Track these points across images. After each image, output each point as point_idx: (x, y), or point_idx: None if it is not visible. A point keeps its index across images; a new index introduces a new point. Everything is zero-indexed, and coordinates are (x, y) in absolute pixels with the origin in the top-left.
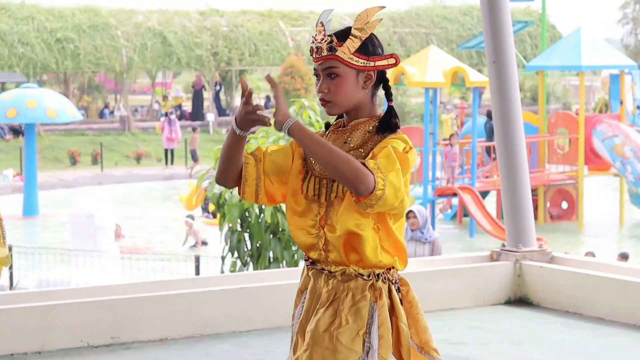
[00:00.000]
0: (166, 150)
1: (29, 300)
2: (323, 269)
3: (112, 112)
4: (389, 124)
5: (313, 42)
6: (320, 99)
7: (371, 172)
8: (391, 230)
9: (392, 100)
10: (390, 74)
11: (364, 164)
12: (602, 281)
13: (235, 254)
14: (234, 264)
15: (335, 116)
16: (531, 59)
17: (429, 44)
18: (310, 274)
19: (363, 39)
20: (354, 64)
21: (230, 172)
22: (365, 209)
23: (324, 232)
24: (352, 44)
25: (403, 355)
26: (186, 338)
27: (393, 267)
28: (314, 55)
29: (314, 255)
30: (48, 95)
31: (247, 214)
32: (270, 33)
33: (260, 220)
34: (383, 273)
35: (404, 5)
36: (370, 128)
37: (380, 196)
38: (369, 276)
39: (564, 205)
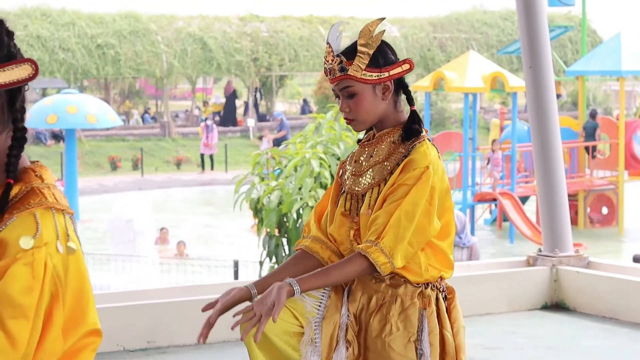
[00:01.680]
0: (202, 156)
1: None
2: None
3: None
4: (411, 131)
5: (325, 64)
6: (345, 118)
7: (365, 254)
8: (438, 248)
9: (414, 105)
10: (429, 79)
11: (359, 252)
12: None
13: (274, 259)
14: (271, 269)
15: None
16: (571, 64)
17: (469, 49)
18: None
19: (371, 53)
20: (367, 79)
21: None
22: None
23: (358, 244)
24: (362, 60)
25: None
26: (222, 342)
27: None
28: (329, 77)
29: None
30: (88, 101)
31: (284, 219)
32: (310, 38)
33: (298, 225)
34: (433, 281)
35: (445, 10)
36: (396, 138)
37: (390, 266)
38: (418, 283)
39: (604, 210)
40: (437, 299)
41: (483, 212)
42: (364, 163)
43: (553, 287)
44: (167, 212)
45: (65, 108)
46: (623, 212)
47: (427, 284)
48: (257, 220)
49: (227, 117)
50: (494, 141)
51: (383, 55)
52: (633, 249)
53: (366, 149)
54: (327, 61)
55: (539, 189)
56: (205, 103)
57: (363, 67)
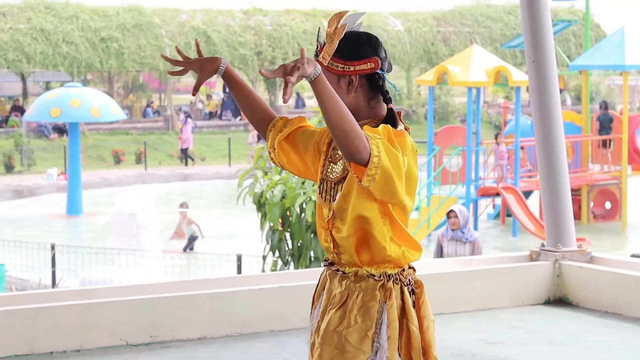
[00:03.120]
0: (185, 150)
1: (69, 298)
2: (338, 270)
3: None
4: (386, 123)
5: None
6: None
7: (367, 137)
8: (395, 220)
9: (390, 103)
10: (433, 73)
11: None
12: None
13: (277, 253)
14: (275, 263)
15: None
16: (575, 58)
17: (472, 43)
18: (327, 274)
19: (336, 43)
20: (332, 68)
21: (252, 115)
22: (368, 184)
23: (332, 234)
24: (328, 49)
25: (413, 357)
26: (225, 337)
27: (408, 268)
28: None
29: (329, 256)
30: (92, 94)
31: (288, 213)
32: (313, 32)
33: (301, 219)
34: (396, 274)
35: (448, 4)
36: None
37: (378, 163)
38: (380, 276)
39: (608, 205)
40: (402, 292)
41: (486, 206)
42: (338, 151)
43: (556, 282)
44: (171, 205)
45: (68, 101)
46: (626, 207)
47: (390, 276)
48: (260, 215)
49: (231, 110)
50: (498, 134)
51: (353, 49)
52: (636, 243)
53: None
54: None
55: (542, 184)
56: (208, 97)
57: (329, 56)
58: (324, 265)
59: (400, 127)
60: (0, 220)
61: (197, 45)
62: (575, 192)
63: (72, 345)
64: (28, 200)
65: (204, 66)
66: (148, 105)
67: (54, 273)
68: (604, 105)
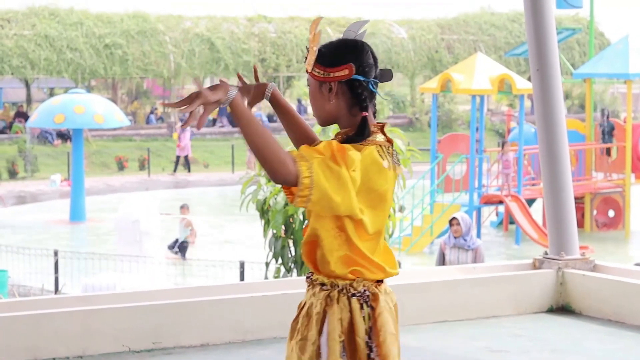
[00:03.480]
0: (178, 158)
1: (71, 304)
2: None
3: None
4: (351, 137)
5: None
6: None
7: (294, 160)
8: (350, 238)
9: (365, 111)
10: (436, 81)
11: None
12: None
13: (280, 260)
14: (278, 270)
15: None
16: (579, 67)
17: (476, 51)
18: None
19: (316, 50)
20: (314, 75)
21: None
22: (303, 204)
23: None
24: (311, 55)
25: None
26: (228, 344)
27: (359, 279)
28: None
29: None
30: (95, 101)
31: (291, 220)
32: None
33: (304, 226)
34: (346, 285)
35: (452, 12)
36: (342, 140)
37: (310, 184)
38: (329, 286)
39: (611, 213)
40: (349, 304)
41: (489, 214)
42: None
43: (559, 290)
44: (175, 212)
45: (72, 108)
46: (630, 215)
47: (337, 287)
48: (263, 221)
49: (227, 116)
50: (504, 143)
51: (333, 56)
52: (639, 251)
53: None
54: None
55: (546, 192)
56: None
57: (312, 61)
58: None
59: (379, 137)
60: (3, 226)
61: (255, 71)
62: (579, 200)
63: (74, 352)
64: (31, 206)
65: (253, 91)
66: (152, 112)
67: (56, 279)
68: (606, 114)
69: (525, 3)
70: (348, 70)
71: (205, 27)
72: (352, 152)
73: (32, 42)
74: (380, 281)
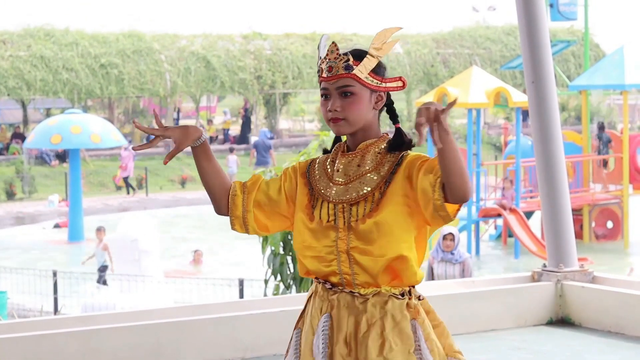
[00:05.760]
0: (126, 179)
1: (71, 325)
2: (351, 292)
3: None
4: (402, 142)
5: (323, 62)
6: (331, 118)
7: None
8: (426, 244)
9: (398, 123)
10: (432, 95)
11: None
12: None
13: (278, 277)
14: (277, 287)
15: (342, 138)
16: (575, 78)
17: (472, 65)
18: (327, 297)
19: (380, 58)
20: (369, 83)
21: (216, 200)
22: (450, 220)
23: (350, 256)
24: (369, 63)
25: None
26: None
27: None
28: (324, 75)
29: (335, 279)
30: (92, 121)
31: (289, 237)
32: (313, 56)
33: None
34: (409, 291)
35: (447, 26)
36: (381, 149)
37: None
38: (402, 295)
39: (609, 224)
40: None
41: (488, 227)
42: (351, 172)
43: (558, 303)
44: (173, 231)
45: (69, 128)
46: (628, 226)
47: (403, 294)
48: (261, 239)
49: (243, 133)
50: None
51: (384, 66)
52: (638, 262)
53: (350, 158)
54: (330, 59)
55: (543, 204)
56: (209, 121)
57: (368, 70)
58: (325, 289)
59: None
60: (1, 247)
61: (156, 116)
62: (577, 211)
63: None
64: (29, 226)
65: (184, 134)
66: None
67: (55, 300)
68: (602, 126)
69: (519, 16)
70: (403, 83)
71: (201, 45)
72: None
73: (27, 63)
74: None
